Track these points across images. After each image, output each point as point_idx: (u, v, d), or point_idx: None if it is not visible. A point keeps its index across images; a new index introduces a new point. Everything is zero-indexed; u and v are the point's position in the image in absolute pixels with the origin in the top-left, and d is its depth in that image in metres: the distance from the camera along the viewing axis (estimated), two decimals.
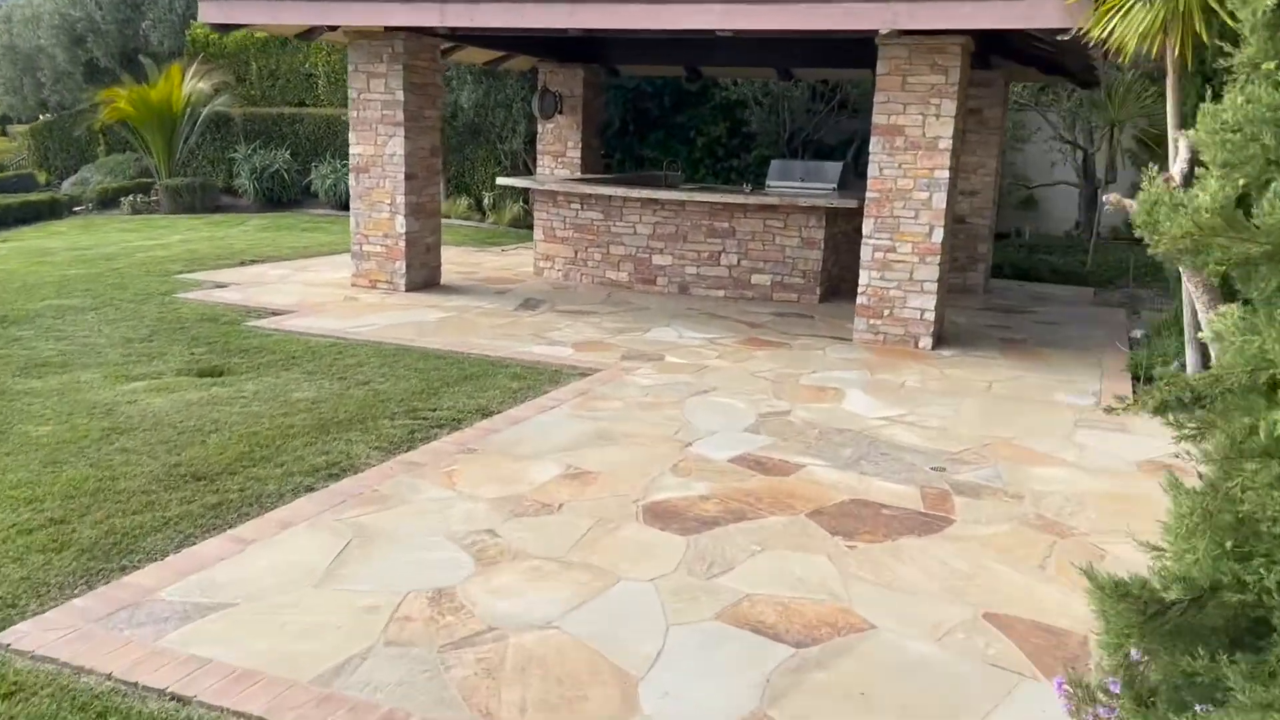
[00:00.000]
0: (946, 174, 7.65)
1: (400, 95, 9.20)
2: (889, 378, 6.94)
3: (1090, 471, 5.12)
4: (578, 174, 12.43)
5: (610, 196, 10.08)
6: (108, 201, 17.86)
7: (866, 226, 7.93)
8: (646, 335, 8.06)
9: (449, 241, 13.88)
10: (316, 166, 17.58)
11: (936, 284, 7.81)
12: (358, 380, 6.28)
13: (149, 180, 18.22)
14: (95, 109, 18.73)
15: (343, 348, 7.20)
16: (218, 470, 4.61)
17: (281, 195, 17.82)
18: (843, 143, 14.84)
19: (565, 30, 7.91)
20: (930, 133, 7.64)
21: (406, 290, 9.54)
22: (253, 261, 11.24)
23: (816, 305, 9.66)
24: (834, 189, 12.34)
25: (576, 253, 10.53)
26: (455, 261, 11.70)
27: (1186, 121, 6.41)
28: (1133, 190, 13.38)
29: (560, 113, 12.37)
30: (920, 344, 7.91)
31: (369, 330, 7.81)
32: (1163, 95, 12.30)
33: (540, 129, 12.64)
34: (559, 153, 12.55)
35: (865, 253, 7.97)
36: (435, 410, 5.69)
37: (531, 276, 10.84)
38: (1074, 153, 13.66)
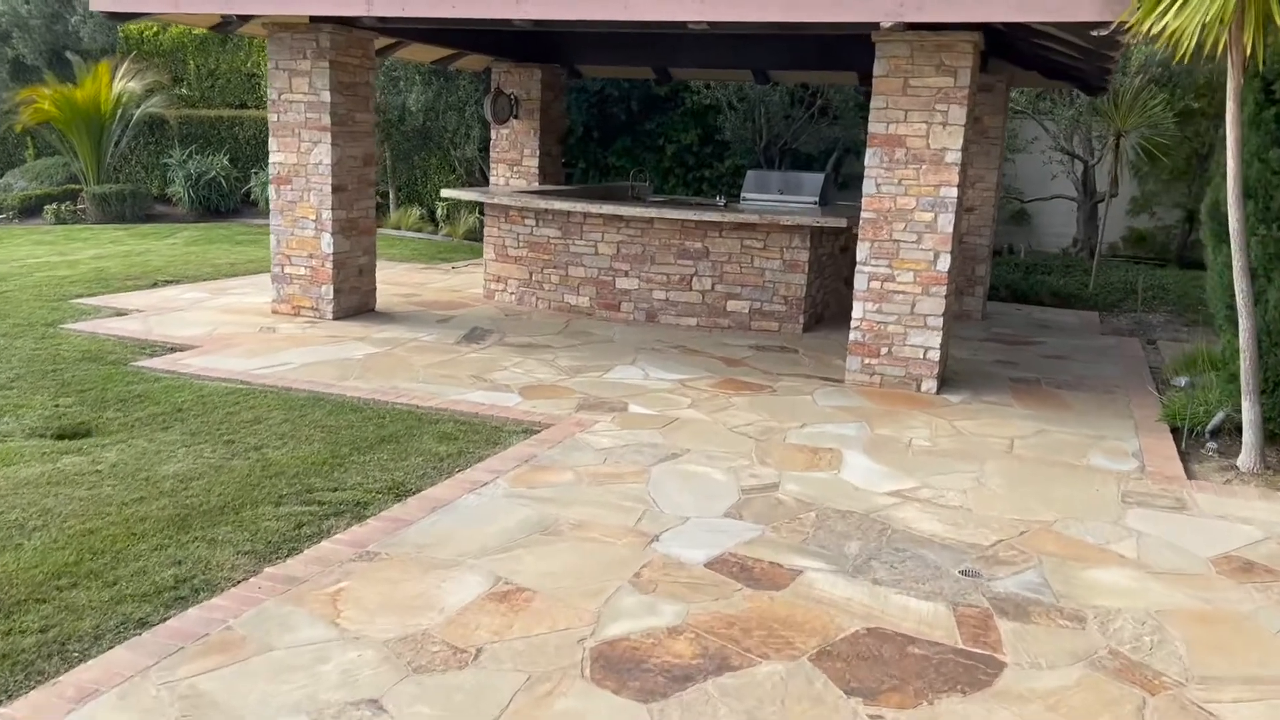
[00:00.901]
0: (954, 192, 6.62)
1: (326, 96, 8.03)
2: (892, 433, 5.87)
3: (1158, 574, 4.06)
4: (535, 184, 11.31)
5: (569, 212, 8.97)
6: (30, 210, 16.46)
7: (861, 251, 6.88)
8: (608, 376, 6.94)
9: (395, 257, 12.72)
10: (257, 174, 16.33)
11: (942, 319, 6.77)
12: (248, 445, 5.11)
13: (77, 187, 16.86)
14: (17, 110, 17.36)
15: (243, 396, 6.02)
16: (22, 595, 3.43)
17: (219, 204, 16.53)
18: (823, 152, 13.82)
19: (512, 22, 6.80)
20: (936, 144, 6.60)
21: (334, 318, 8.36)
22: (168, 282, 10.00)
23: (800, 336, 8.60)
24: (815, 203, 11.32)
25: (531, 274, 9.40)
26: (397, 282, 10.53)
27: (1250, 127, 5.41)
28: (1133, 205, 12.42)
29: (516, 117, 11.24)
30: (923, 387, 6.86)
31: (281, 371, 6.63)
32: (1170, 102, 11.46)
33: (494, 135, 11.50)
34: (514, 161, 11.41)
35: (859, 281, 6.91)
36: (336, 490, 4.53)
37: (481, 300, 9.69)
38: (1072, 164, 12.72)
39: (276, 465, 4.81)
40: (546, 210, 9.06)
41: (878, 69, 6.68)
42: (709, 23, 6.32)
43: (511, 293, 9.56)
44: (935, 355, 6.81)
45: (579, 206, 8.74)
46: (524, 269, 9.43)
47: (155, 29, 18.35)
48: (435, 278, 11.06)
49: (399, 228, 15.33)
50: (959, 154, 6.58)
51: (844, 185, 14.38)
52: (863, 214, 6.85)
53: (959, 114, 6.53)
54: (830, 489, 4.88)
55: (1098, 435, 6.03)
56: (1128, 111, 10.63)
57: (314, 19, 7.90)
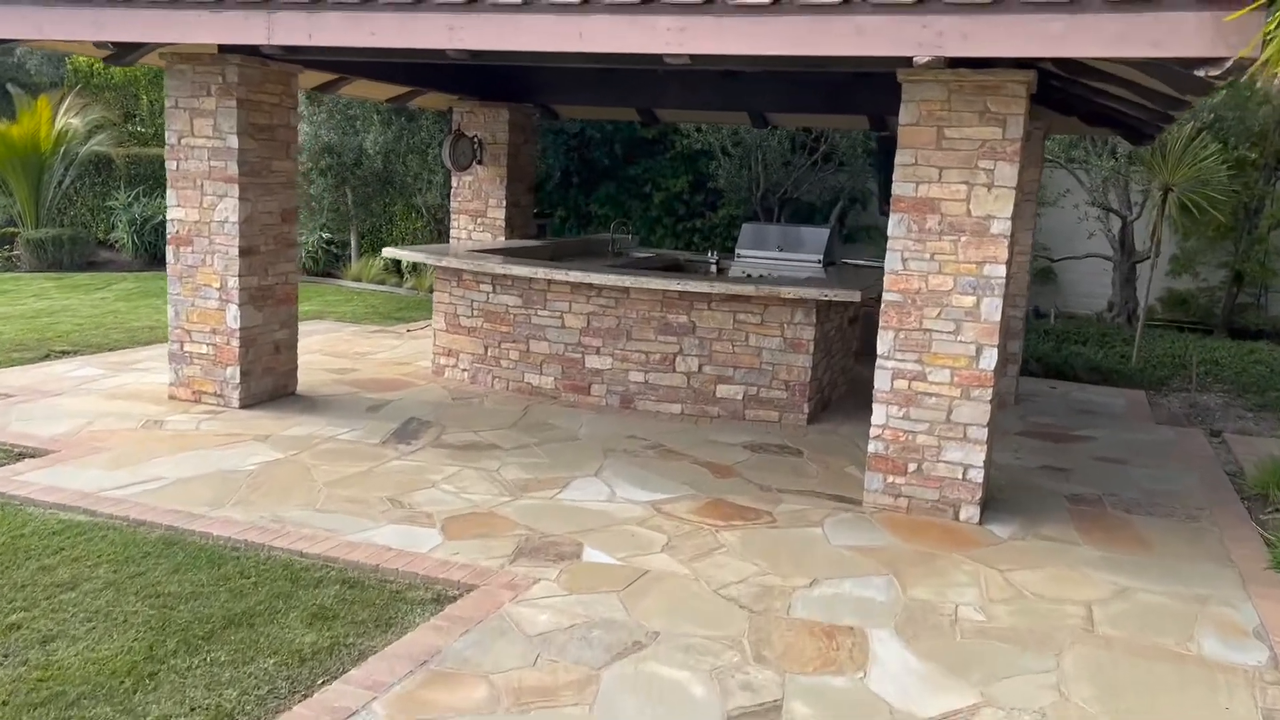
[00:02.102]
0: (1002, 271, 5.22)
1: (234, 141, 6.66)
2: (932, 596, 4.42)
3: None
4: (502, 239, 9.93)
5: (531, 278, 7.56)
6: None
7: (883, 342, 5.46)
8: (563, 495, 5.50)
9: (347, 316, 11.31)
10: None
11: (986, 429, 5.34)
12: (37, 635, 3.65)
13: (15, 230, 15.48)
14: None
15: (75, 537, 4.56)
16: None
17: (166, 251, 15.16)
18: (827, 202, 12.49)
19: (445, 53, 5.43)
20: (979, 210, 5.21)
21: (242, 406, 6.92)
22: (64, 353, 8.56)
23: (805, 429, 7.16)
24: (819, 262, 9.96)
25: (487, 349, 7.97)
26: (336, 352, 9.09)
27: None
28: (1174, 265, 11.02)
29: (480, 163, 9.89)
30: (962, 515, 5.41)
31: (142, 493, 5.18)
32: (1224, 152, 10.13)
33: (455, 182, 10.13)
34: (478, 212, 10.04)
35: (881, 379, 5.49)
36: None
37: (429, 376, 8.26)
38: (1107, 219, 11.38)
39: (57, 678, 3.34)
40: (504, 276, 7.66)
41: (905, 116, 5.31)
42: (690, 56, 4.94)
43: (464, 369, 8.13)
44: (977, 475, 5.38)
45: (541, 272, 7.33)
46: (478, 342, 8.01)
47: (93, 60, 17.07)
48: (384, 345, 9.62)
49: (360, 279, 13.95)
50: (1008, 223, 5.20)
51: (849, 239, 13.04)
52: (885, 295, 5.45)
53: (1008, 173, 5.16)
54: (856, 710, 3.42)
55: (1198, 596, 4.57)
56: (1176, 163, 9.29)
57: (223, 49, 6.55)
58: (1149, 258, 10.75)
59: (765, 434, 6.99)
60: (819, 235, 10.26)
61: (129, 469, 5.55)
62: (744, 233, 10.61)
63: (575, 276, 7.26)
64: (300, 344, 9.34)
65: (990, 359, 5.29)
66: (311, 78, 8.62)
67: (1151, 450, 7.20)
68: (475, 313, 7.99)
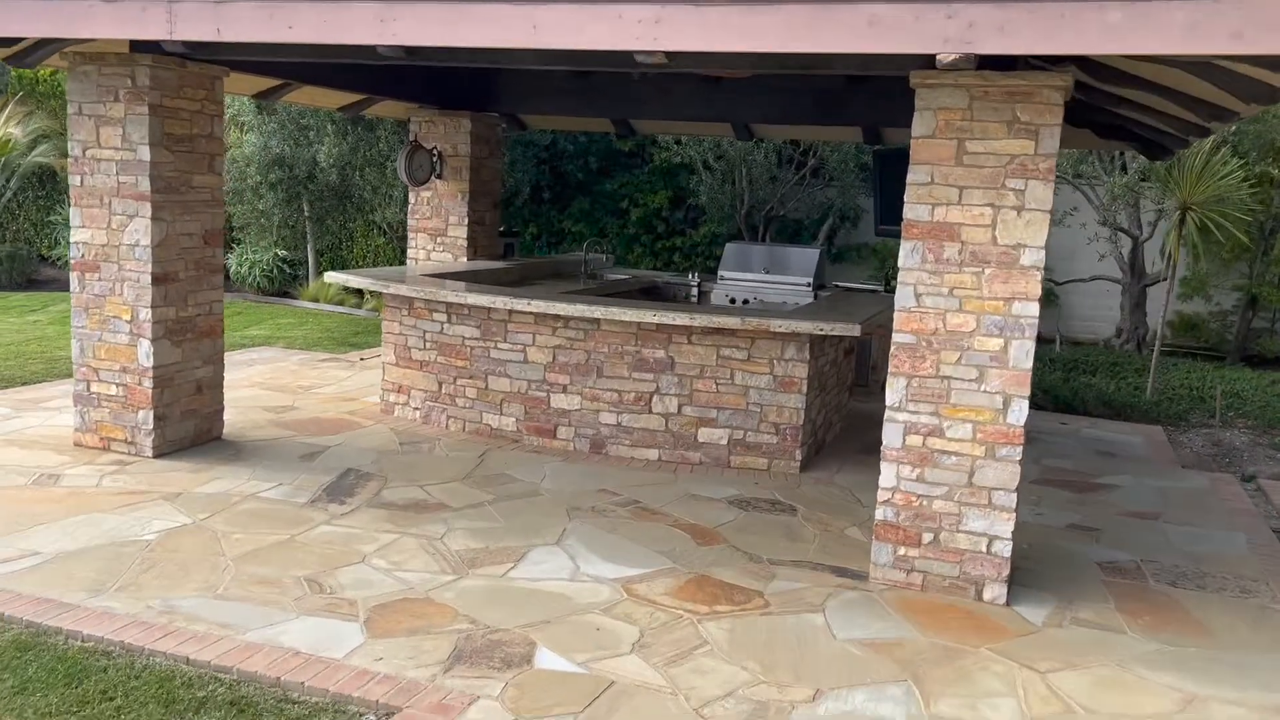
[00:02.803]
0: (1034, 309, 4.44)
1: (146, 154, 5.80)
2: (961, 713, 3.60)
3: None
4: (464, 259, 9.09)
5: (490, 308, 6.72)
6: None
7: (893, 391, 4.66)
8: (517, 571, 4.66)
9: (297, 342, 10.43)
10: None
11: (1014, 494, 4.55)
12: None
13: None
14: None
15: None
16: None
17: None
18: (815, 220, 11.73)
19: (376, 50, 4.60)
20: (1007, 237, 4.43)
21: (156, 454, 6.05)
22: None
23: (798, 479, 6.35)
24: (808, 285, 9.20)
25: (441, 385, 7.12)
26: (278, 385, 8.21)
27: None
28: (1184, 287, 10.26)
29: (439, 176, 9.06)
30: (986, 595, 4.61)
31: (12, 571, 4.31)
32: (1245, 169, 9.44)
33: (413, 198, 9.30)
34: (437, 231, 9.20)
35: (890, 434, 4.69)
36: None
37: (377, 415, 7.40)
38: (1115, 239, 10.65)
39: None
40: (460, 304, 6.82)
41: (918, 126, 4.52)
42: (666, 54, 4.14)
43: (415, 408, 7.27)
44: (1004, 549, 4.57)
45: (501, 301, 6.50)
46: (431, 378, 7.16)
47: (52, 68, 16.12)
48: (332, 377, 8.75)
49: (317, 300, 13.06)
50: (1040, 253, 4.41)
51: (837, 258, 12.28)
52: (896, 336, 4.65)
53: (1041, 194, 4.37)
54: None
55: (1276, 699, 3.79)
56: (1196, 181, 8.58)
57: (134, 47, 5.70)
58: (1161, 280, 10.05)
59: (753, 485, 6.17)
60: (808, 256, 9.51)
61: (3, 539, 4.67)
62: (727, 253, 9.84)
63: (539, 306, 6.43)
64: (238, 376, 8.50)
65: (1020, 412, 4.49)
66: (250, 82, 7.79)
67: (1185, 502, 6.43)
68: (428, 345, 7.14)
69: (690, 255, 12.04)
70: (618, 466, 6.45)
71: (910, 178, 4.56)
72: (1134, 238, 10.47)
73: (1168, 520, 6.02)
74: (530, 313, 6.63)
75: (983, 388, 4.52)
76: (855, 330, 6.03)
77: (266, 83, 7.97)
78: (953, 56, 3.79)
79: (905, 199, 4.59)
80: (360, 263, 13.45)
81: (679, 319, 6.19)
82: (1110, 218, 10.35)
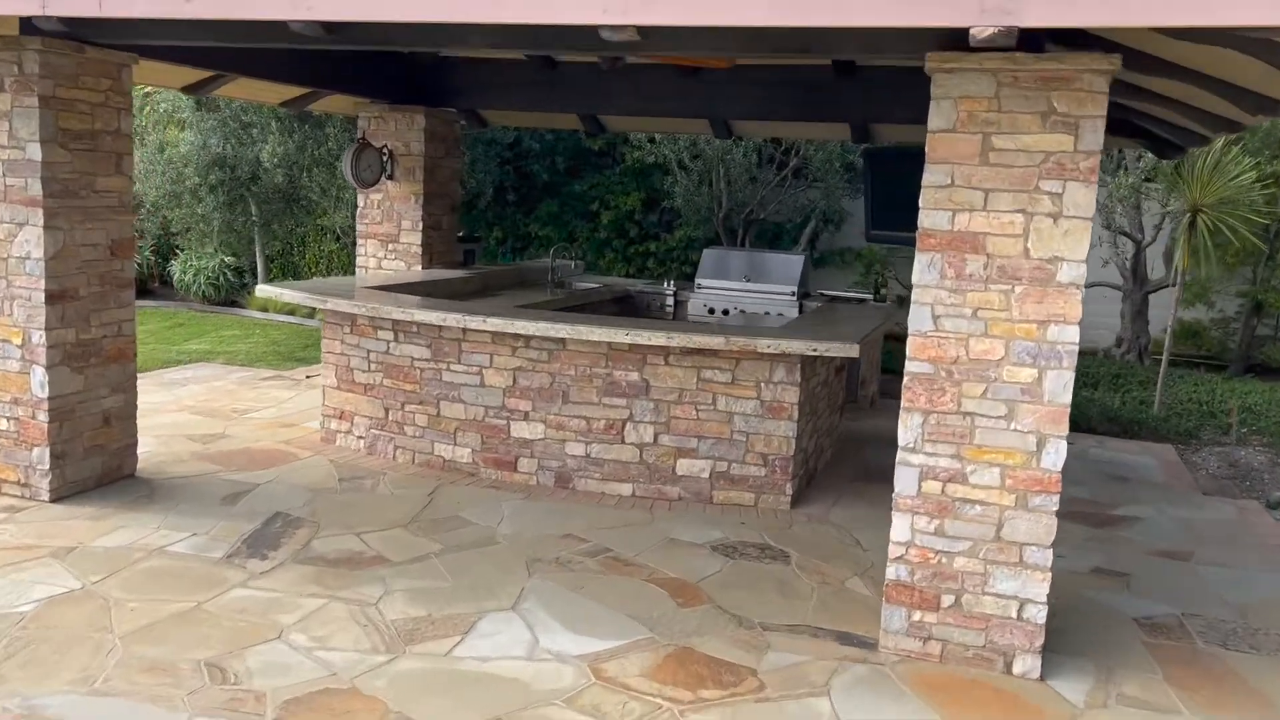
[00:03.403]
0: (1074, 333, 3.77)
1: (36, 152, 5.01)
2: None
3: None
4: (418, 267, 8.34)
5: (440, 326, 5.97)
6: None
7: (907, 429, 3.97)
8: (462, 650, 3.92)
9: (239, 357, 9.62)
10: None
11: (1049, 551, 3.87)
12: None
13: None
14: None
15: None
16: None
17: None
18: (797, 224, 11.06)
19: (288, 26, 3.84)
20: (1042, 249, 3.75)
21: (54, 498, 5.25)
22: None
23: (788, 515, 5.66)
24: (792, 294, 8.54)
25: (388, 411, 6.37)
26: (210, 410, 7.41)
27: None
28: (1187, 293, 9.66)
29: (391, 178, 8.30)
30: (1016, 667, 3.93)
31: None
32: (1258, 169, 8.85)
33: (362, 201, 8.53)
34: (389, 236, 8.44)
35: (904, 479, 4.00)
36: None
37: (317, 445, 6.63)
38: (1116, 243, 10.05)
39: None
40: (408, 322, 6.06)
41: (936, 118, 3.84)
42: (637, 29, 3.43)
43: (359, 436, 6.51)
44: (1038, 614, 3.90)
45: (453, 318, 5.75)
46: (377, 403, 6.40)
47: None
48: (272, 398, 7.96)
49: (266, 310, 12.22)
50: (1081, 268, 3.74)
51: (819, 262, 11.62)
52: (910, 364, 3.96)
53: (1081, 199, 3.70)
54: None
55: None
56: (1207, 181, 7.99)
57: (24, 27, 4.90)
58: (1165, 286, 9.47)
59: (739, 526, 5.46)
60: (791, 263, 8.83)
61: None
62: (705, 260, 9.14)
63: (496, 324, 5.69)
64: (166, 399, 7.70)
65: (1057, 455, 3.82)
66: (175, 73, 7.00)
67: (1214, 536, 5.80)
68: (373, 366, 6.38)
69: (665, 261, 11.34)
70: (586, 504, 5.72)
71: (926, 179, 3.88)
72: (1136, 242, 9.89)
73: (1201, 560, 5.38)
74: (486, 331, 5.89)
75: (1013, 426, 3.84)
76: (853, 350, 5.35)
77: (195, 74, 7.19)
78: (990, 31, 3.10)
79: (920, 203, 3.91)
80: (312, 270, 12.63)
81: (655, 338, 5.47)
82: (1110, 221, 9.76)
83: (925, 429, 3.94)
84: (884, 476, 6.84)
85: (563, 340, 5.82)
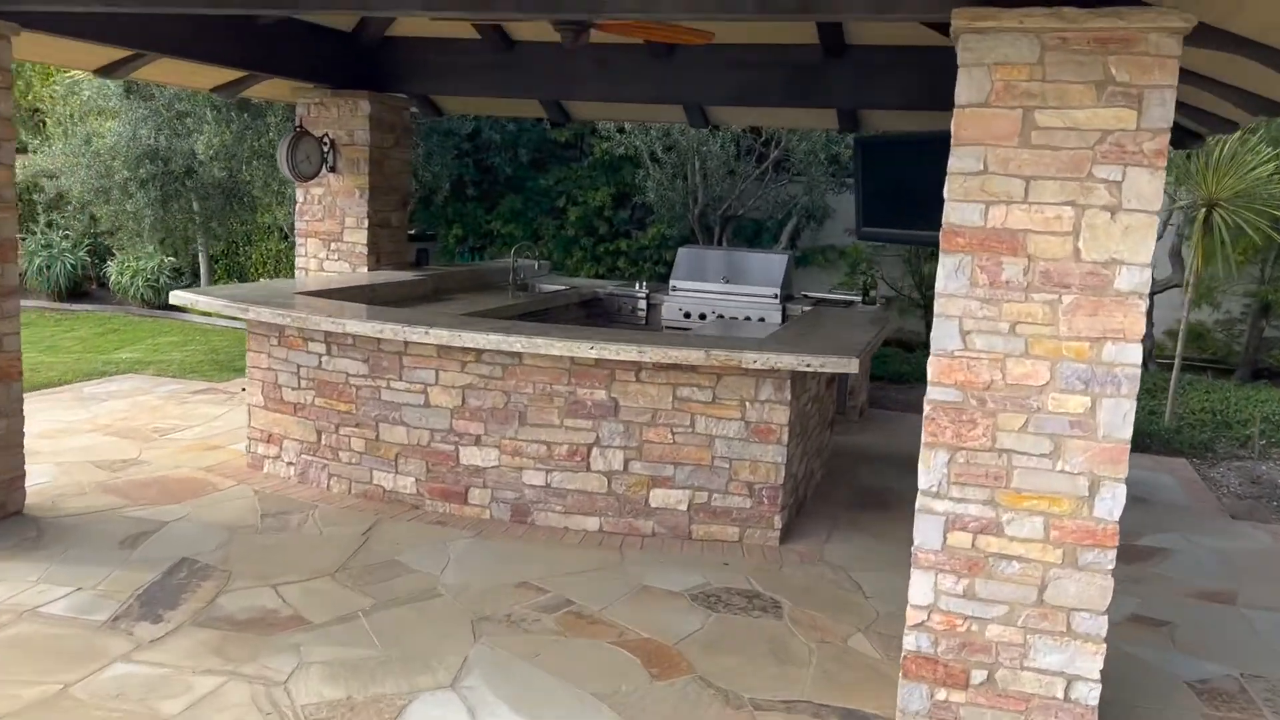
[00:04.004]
0: (1135, 353, 3.08)
1: None
2: None
3: None
4: (364, 268, 7.55)
5: (378, 338, 5.19)
6: None
7: (930, 470, 3.27)
8: None
9: (171, 366, 8.80)
10: (24, 240, 12.23)
11: (1104, 618, 3.19)
12: None
13: None
14: None
15: None
16: None
17: None
18: (778, 220, 10.37)
19: None
20: (1096, 249, 3.06)
21: None
22: None
23: (778, 554, 4.95)
24: (775, 296, 7.86)
25: (321, 435, 5.59)
26: (127, 430, 6.59)
27: None
28: (1193, 293, 9.01)
29: (333, 170, 7.51)
30: None
31: None
32: (1277, 164, 8.23)
33: (301, 196, 7.74)
34: (331, 235, 7.65)
35: (926, 529, 3.30)
36: None
37: (242, 472, 5.85)
38: None
39: None
40: (341, 334, 5.28)
41: (966, 89, 3.13)
42: None
43: (289, 462, 5.73)
44: (1090, 694, 3.21)
45: (390, 329, 4.99)
46: (308, 425, 5.62)
47: None
48: (201, 415, 7.16)
49: (209, 314, 11.37)
50: (1145, 273, 3.06)
51: (801, 261, 10.94)
52: (933, 389, 3.26)
53: (1147, 188, 3.02)
54: None
55: None
56: (1224, 174, 7.37)
57: None
58: (1173, 286, 8.87)
59: (722, 568, 4.75)
60: (774, 263, 8.15)
61: None
62: (680, 259, 8.44)
63: (440, 336, 4.93)
64: (79, 419, 6.89)
65: (1113, 501, 3.13)
66: (84, 52, 6.18)
67: (1255, 571, 5.16)
68: (304, 383, 5.61)
69: (637, 261, 10.62)
70: (547, 542, 4.98)
71: (953, 164, 3.17)
72: None
73: (1247, 603, 4.73)
74: (430, 344, 5.12)
75: (1059, 465, 3.15)
76: (852, 365, 4.65)
77: (108, 52, 6.37)
78: None
79: (946, 194, 3.21)
80: (259, 271, 11.79)
81: (624, 353, 4.74)
82: None
83: (952, 469, 3.24)
84: (880, 502, 6.20)
85: (518, 354, 5.07)
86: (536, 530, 5.14)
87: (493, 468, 5.23)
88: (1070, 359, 3.11)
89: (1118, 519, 3.14)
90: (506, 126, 10.19)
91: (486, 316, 6.35)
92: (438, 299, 7.16)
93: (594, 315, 8.47)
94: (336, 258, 7.64)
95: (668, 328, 8.14)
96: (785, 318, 7.85)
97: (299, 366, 5.61)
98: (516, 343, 4.82)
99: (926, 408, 3.26)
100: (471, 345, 4.92)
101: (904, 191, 6.64)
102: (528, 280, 8.49)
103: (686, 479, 5.06)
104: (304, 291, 6.05)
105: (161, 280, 11.69)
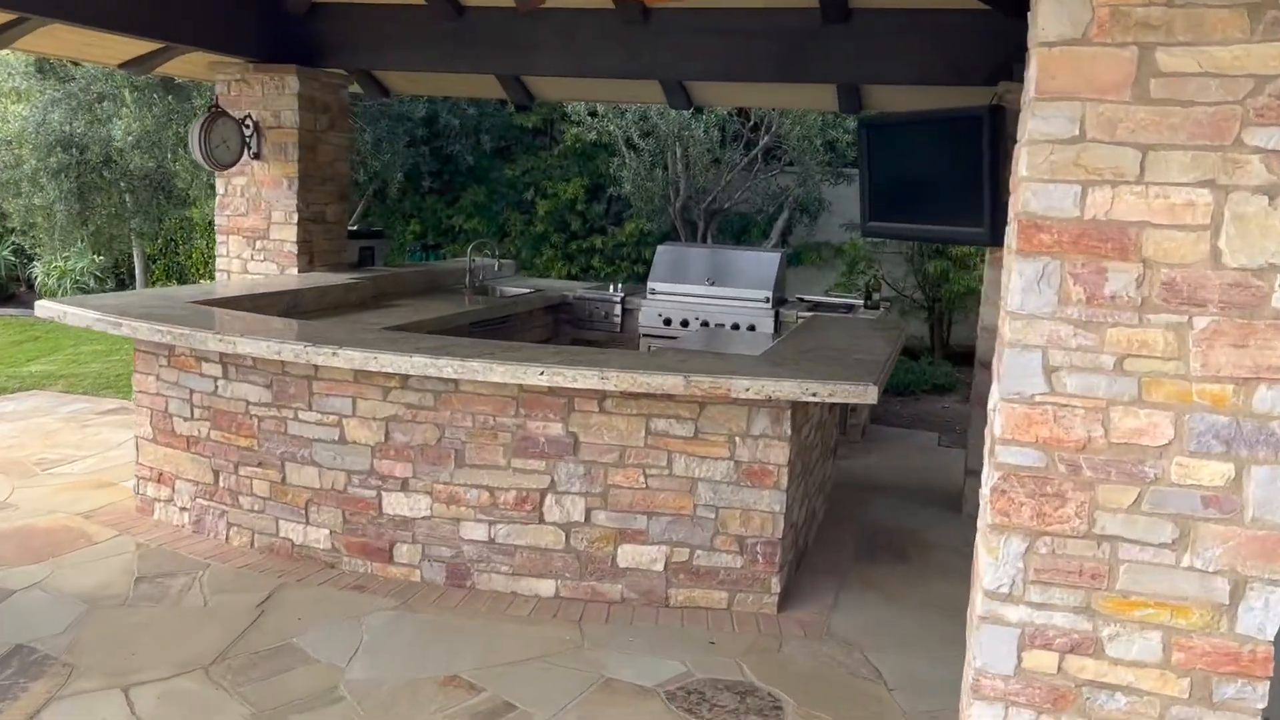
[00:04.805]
0: None
1: None
2: None
3: None
4: (295, 270, 6.55)
5: (280, 360, 4.19)
6: None
7: (995, 563, 2.31)
8: None
9: (84, 382, 7.80)
10: None
11: None
12: None
13: None
14: None
15: None
16: None
17: None
18: (767, 215, 9.41)
19: None
20: (1245, 250, 2.11)
21: None
22: None
23: (775, 626, 3.99)
24: (767, 300, 6.95)
25: (219, 475, 4.59)
26: (6, 461, 5.59)
27: None
28: None
29: (257, 156, 6.50)
30: None
31: None
32: None
33: (221, 188, 6.73)
34: (257, 231, 6.64)
35: (992, 645, 2.34)
36: None
37: (130, 517, 4.84)
38: None
39: None
40: (236, 355, 4.28)
41: (1052, 20, 2.17)
42: None
43: (183, 508, 4.73)
44: None
45: (290, 349, 4.00)
46: (204, 464, 4.63)
47: None
48: (100, 441, 6.14)
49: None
50: None
51: (793, 260, 9.98)
52: (1000, 449, 2.29)
53: None
54: None
55: None
56: None
57: None
58: None
59: (708, 648, 3.78)
60: (764, 263, 7.21)
61: None
62: (659, 258, 7.48)
63: (350, 359, 3.94)
64: None
65: (1266, 613, 2.19)
66: None
67: None
68: (198, 412, 4.61)
69: (614, 259, 9.65)
70: (489, 614, 4.01)
71: (1033, 126, 2.21)
72: None
73: None
74: (348, 369, 4.13)
75: (1186, 560, 2.20)
76: (870, 394, 3.69)
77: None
78: None
79: (1020, 170, 2.25)
80: (199, 270, 10.77)
81: (584, 378, 3.76)
82: None
83: (1030, 563, 2.29)
84: (894, 548, 5.22)
85: (455, 382, 4.09)
86: (477, 597, 4.16)
87: (423, 519, 4.24)
88: (1205, 408, 2.16)
89: (1272, 638, 2.19)
90: (466, 110, 9.20)
91: (434, 328, 5.38)
92: (377, 306, 6.18)
93: (562, 322, 7.52)
94: (263, 258, 6.63)
95: (645, 336, 7.19)
96: (779, 325, 6.91)
97: (191, 392, 4.61)
98: (448, 367, 3.84)
99: (993, 475, 2.31)
100: (391, 369, 3.93)
101: (918, 181, 5.70)
102: (487, 282, 7.53)
103: (662, 532, 4.10)
104: (203, 301, 5.05)
105: (91, 282, 10.65)
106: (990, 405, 2.40)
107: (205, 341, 4.14)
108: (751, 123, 8.87)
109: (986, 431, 2.46)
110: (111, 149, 8.20)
